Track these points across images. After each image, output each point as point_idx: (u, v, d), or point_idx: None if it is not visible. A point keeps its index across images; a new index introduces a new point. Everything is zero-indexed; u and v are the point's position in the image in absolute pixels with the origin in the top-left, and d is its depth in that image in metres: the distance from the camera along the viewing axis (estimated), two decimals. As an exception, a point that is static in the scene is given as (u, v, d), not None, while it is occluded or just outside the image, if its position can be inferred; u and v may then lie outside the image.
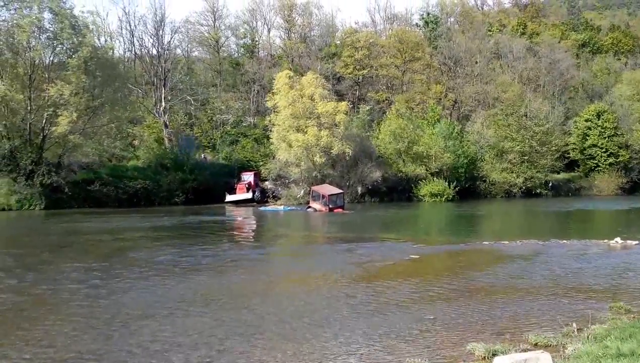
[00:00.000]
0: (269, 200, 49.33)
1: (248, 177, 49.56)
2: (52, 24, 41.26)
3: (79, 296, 11.84)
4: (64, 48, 41.76)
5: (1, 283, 13.09)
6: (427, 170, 52.72)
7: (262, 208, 43.96)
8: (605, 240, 19.83)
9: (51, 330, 9.30)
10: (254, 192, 47.93)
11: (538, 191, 59.21)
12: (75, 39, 40.84)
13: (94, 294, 12.04)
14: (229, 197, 47.01)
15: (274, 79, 51.58)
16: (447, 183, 51.21)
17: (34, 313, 10.49)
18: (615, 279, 13.30)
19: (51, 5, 40.77)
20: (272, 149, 50.93)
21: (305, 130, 46.99)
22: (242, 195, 47.43)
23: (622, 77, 73.77)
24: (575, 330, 8.52)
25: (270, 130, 50.69)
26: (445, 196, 50.50)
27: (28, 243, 21.72)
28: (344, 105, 49.58)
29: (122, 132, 48.12)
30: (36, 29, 39.76)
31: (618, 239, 19.54)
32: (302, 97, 47.98)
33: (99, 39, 54.59)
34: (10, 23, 39.78)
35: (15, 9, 40.44)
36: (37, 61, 40.35)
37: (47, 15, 41.09)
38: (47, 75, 40.93)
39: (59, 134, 39.99)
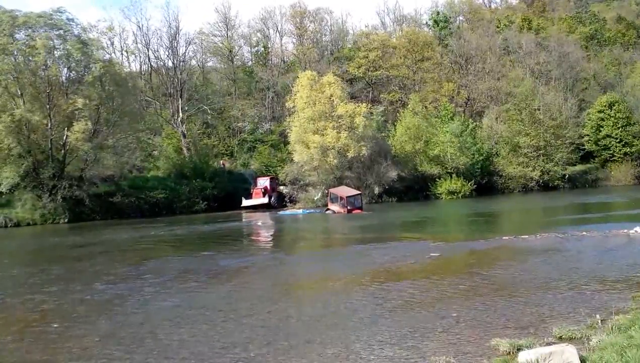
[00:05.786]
0: (287, 204, 49.56)
1: (264, 181, 49.78)
2: (61, 41, 42.01)
3: (106, 305, 12.17)
4: (76, 66, 42.51)
5: (32, 295, 13.41)
6: (443, 169, 52.81)
7: (281, 212, 44.22)
8: (625, 230, 19.79)
9: (81, 338, 9.58)
10: (270, 197, 48.11)
11: (555, 184, 59.02)
12: (85, 56, 41.50)
13: (120, 302, 12.36)
14: (245, 202, 47.21)
15: (289, 85, 51.87)
16: (463, 180, 51.28)
17: (62, 323, 10.77)
18: (637, 269, 13.26)
19: (60, 24, 41.61)
20: (289, 154, 51.23)
21: (324, 131, 47.20)
22: (258, 200, 47.59)
23: (635, 67, 73.00)
24: (599, 321, 8.57)
25: (288, 133, 51.02)
26: (462, 193, 50.67)
27: (55, 255, 22.00)
28: (363, 107, 49.78)
29: (142, 143, 48.72)
30: (49, 49, 40.53)
31: (638, 228, 19.49)
32: (321, 98, 48.17)
33: (115, 54, 55.42)
34: (24, 44, 40.52)
35: (27, 31, 41.22)
36: (53, 79, 41.09)
37: (56, 32, 41.88)
38: (65, 92, 41.74)
39: (73, 141, 40.39)
